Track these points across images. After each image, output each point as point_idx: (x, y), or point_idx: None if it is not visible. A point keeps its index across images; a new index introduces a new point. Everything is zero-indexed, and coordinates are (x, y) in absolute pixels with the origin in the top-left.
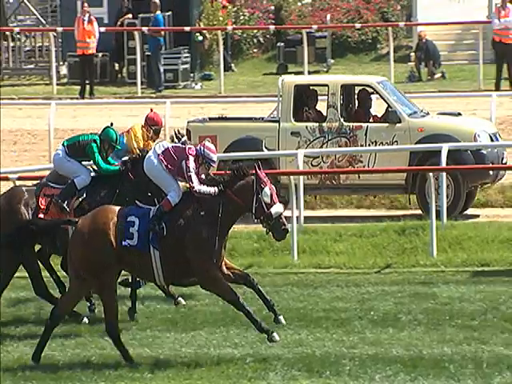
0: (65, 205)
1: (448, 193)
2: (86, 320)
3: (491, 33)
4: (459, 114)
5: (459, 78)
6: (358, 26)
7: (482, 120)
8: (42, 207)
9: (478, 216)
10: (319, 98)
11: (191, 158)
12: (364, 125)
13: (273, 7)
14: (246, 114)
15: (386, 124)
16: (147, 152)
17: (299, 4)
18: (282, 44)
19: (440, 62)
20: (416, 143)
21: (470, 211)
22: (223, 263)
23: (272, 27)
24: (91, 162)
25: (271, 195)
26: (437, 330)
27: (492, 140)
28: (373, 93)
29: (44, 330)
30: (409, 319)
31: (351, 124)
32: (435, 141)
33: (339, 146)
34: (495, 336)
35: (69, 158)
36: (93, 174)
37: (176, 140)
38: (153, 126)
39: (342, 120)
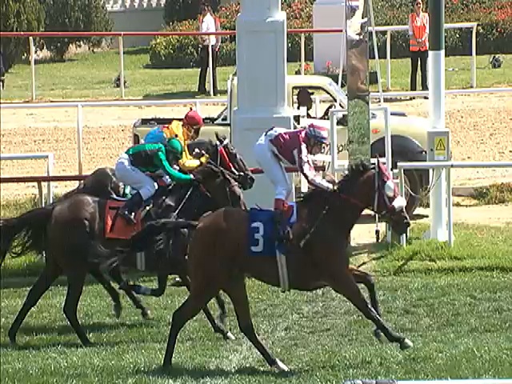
0: (132, 217)
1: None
2: (231, 336)
3: None
4: (404, 115)
5: None
6: None
7: (427, 120)
8: (109, 223)
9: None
10: None
11: (303, 146)
12: None
13: None
14: None
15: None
16: (218, 168)
17: None
18: None
19: None
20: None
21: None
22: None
23: None
24: (156, 171)
25: (394, 189)
26: None
27: None
28: (313, 93)
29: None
30: None
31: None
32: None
33: None
34: None
35: (134, 167)
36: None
37: (218, 143)
38: (194, 125)
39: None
